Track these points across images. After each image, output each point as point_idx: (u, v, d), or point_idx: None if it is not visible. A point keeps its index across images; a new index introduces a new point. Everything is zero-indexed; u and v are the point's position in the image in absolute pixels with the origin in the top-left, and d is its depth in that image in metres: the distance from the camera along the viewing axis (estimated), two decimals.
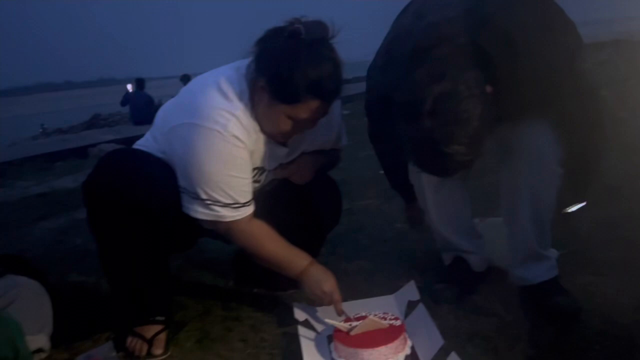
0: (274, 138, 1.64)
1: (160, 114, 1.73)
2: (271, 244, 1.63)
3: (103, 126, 8.24)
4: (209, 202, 1.53)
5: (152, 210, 1.53)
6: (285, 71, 1.46)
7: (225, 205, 1.54)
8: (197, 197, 1.54)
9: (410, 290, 1.74)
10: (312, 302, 1.69)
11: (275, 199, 1.77)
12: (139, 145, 1.72)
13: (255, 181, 1.68)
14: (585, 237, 1.73)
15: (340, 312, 1.63)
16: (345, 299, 1.71)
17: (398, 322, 1.55)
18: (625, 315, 1.54)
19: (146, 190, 1.53)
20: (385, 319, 1.57)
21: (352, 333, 1.52)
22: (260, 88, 1.52)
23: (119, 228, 1.55)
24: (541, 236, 1.61)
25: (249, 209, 1.60)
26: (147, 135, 1.74)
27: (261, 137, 1.61)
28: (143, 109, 9.97)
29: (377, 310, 1.65)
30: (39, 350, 1.57)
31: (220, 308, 1.85)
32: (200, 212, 1.55)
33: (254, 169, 1.66)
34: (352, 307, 1.71)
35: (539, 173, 1.54)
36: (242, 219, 1.58)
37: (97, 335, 1.71)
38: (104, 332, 1.71)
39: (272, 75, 1.49)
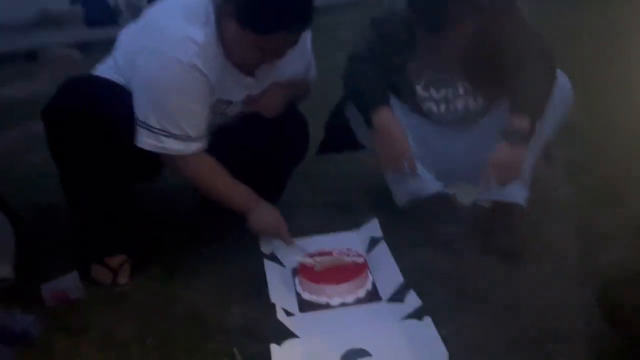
0: (241, 67, 1.61)
1: (123, 37, 1.68)
2: (216, 181, 1.64)
3: (53, 25, 7.72)
4: (156, 131, 1.52)
5: (112, 136, 1.52)
6: (256, 1, 1.42)
7: (174, 136, 1.53)
8: (146, 126, 1.52)
9: (373, 227, 1.79)
10: (260, 234, 1.72)
11: (241, 131, 1.75)
12: (100, 71, 1.67)
13: (220, 113, 1.66)
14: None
15: (288, 242, 1.68)
16: (309, 234, 1.78)
17: (361, 259, 1.61)
18: None
19: (107, 116, 1.51)
20: (348, 255, 1.63)
21: (317, 269, 1.57)
22: (227, 14, 1.48)
23: (81, 156, 1.54)
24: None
25: (199, 145, 1.59)
26: (109, 59, 1.69)
27: (227, 67, 1.57)
28: (96, 8, 9.44)
29: (341, 246, 1.70)
30: (4, 280, 1.57)
31: (187, 238, 1.86)
32: (147, 143, 1.54)
33: (219, 101, 1.63)
34: (316, 242, 1.76)
35: None
36: (189, 154, 1.57)
37: (61, 260, 1.71)
38: (68, 258, 1.72)
39: (241, 4, 1.45)
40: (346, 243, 1.75)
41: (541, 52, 1.65)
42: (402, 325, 1.38)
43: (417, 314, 1.38)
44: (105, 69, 1.66)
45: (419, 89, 1.83)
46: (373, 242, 1.74)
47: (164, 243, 1.83)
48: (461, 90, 1.81)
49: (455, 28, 1.63)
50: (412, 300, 1.43)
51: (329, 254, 1.63)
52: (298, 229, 1.78)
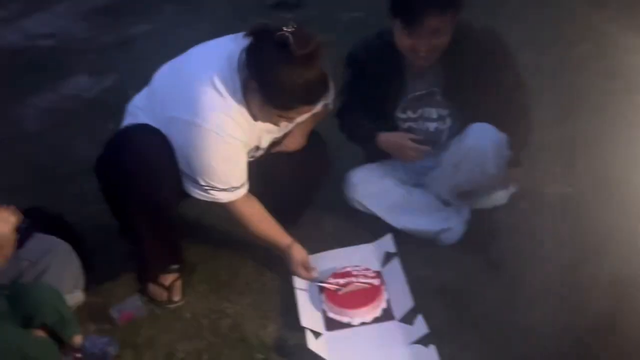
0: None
1: (158, 81, 1.83)
2: (259, 224, 1.91)
3: None
4: (207, 187, 1.76)
5: (159, 185, 1.75)
6: (276, 84, 1.59)
7: (222, 190, 1.77)
8: (196, 183, 1.75)
9: (388, 242, 2.05)
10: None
11: (266, 163, 1.96)
12: (136, 108, 1.86)
13: (250, 157, 1.88)
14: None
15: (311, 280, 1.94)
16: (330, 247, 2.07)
17: (377, 281, 1.88)
18: None
19: (153, 169, 1.72)
20: (366, 276, 1.89)
21: (340, 293, 1.85)
22: (252, 88, 1.66)
23: (131, 203, 1.78)
24: None
25: (243, 190, 1.82)
26: (144, 98, 1.86)
27: (255, 126, 1.77)
28: None
29: (359, 262, 1.98)
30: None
31: (226, 248, 2.14)
32: (198, 194, 1.78)
33: (252, 148, 1.84)
34: (337, 255, 2.05)
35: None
36: (236, 199, 1.81)
37: (125, 277, 2.02)
38: (129, 274, 2.01)
39: (263, 85, 1.62)
40: (363, 256, 2.03)
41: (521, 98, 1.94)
42: (411, 349, 1.68)
43: (423, 341, 1.67)
44: (142, 114, 1.82)
45: (398, 112, 2.03)
46: (388, 257, 2.01)
47: (208, 259, 2.11)
48: (434, 114, 2.01)
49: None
50: (420, 326, 1.71)
51: (349, 274, 1.91)
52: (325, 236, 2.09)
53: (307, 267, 1.95)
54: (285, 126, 1.87)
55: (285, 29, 1.56)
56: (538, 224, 2.03)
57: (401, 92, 1.98)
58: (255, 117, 1.73)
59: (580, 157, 2.30)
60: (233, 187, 1.78)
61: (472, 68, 1.85)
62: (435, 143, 2.02)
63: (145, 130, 1.79)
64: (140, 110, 1.85)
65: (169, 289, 1.94)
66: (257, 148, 1.88)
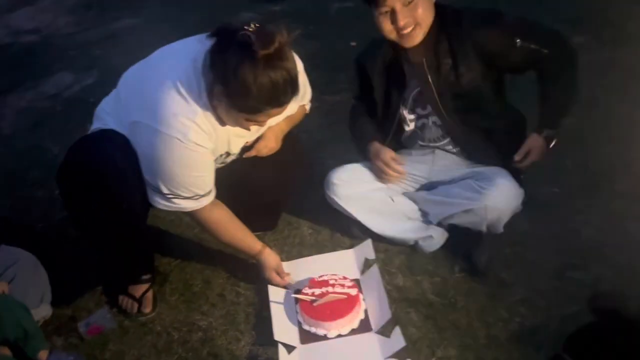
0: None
1: (125, 84, 1.75)
2: (226, 232, 1.83)
3: None
4: (170, 196, 1.67)
5: (121, 192, 1.66)
6: (240, 86, 1.48)
7: (186, 198, 1.68)
8: (159, 191, 1.67)
9: (367, 248, 1.97)
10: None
11: (239, 165, 1.88)
12: (104, 112, 1.78)
13: (221, 163, 1.79)
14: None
15: (283, 286, 1.87)
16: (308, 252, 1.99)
17: (354, 291, 1.80)
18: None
19: (114, 176, 1.64)
20: (343, 286, 1.82)
21: (315, 304, 1.77)
22: (217, 93, 1.56)
23: (94, 210, 1.68)
24: None
25: (209, 198, 1.73)
26: (111, 98, 1.79)
27: (222, 131, 1.68)
28: None
29: (337, 269, 1.90)
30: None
31: (199, 257, 2.06)
32: (161, 204, 1.70)
33: (219, 155, 1.76)
34: (314, 262, 1.97)
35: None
36: (201, 207, 1.73)
37: (94, 288, 1.95)
38: (99, 285, 1.95)
39: (228, 89, 1.53)
40: (342, 262, 1.95)
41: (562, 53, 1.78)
42: None
43: (400, 354, 1.60)
44: (109, 118, 1.74)
45: (406, 112, 1.92)
46: (367, 264, 1.93)
47: (180, 268, 2.03)
48: (433, 119, 1.91)
49: None
50: (397, 339, 1.63)
51: (326, 283, 1.83)
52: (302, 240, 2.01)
53: (281, 273, 1.87)
54: (256, 130, 1.79)
55: (247, 28, 1.47)
56: (522, 228, 1.95)
57: (402, 90, 1.89)
58: (223, 122, 1.64)
59: (568, 156, 2.22)
60: (198, 195, 1.69)
61: (463, 54, 1.76)
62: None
63: (109, 137, 1.70)
64: (107, 114, 1.77)
65: (139, 300, 1.87)
66: (228, 154, 1.79)
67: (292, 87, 1.54)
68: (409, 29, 1.72)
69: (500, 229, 1.83)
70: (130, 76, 1.74)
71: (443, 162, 1.94)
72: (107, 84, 3.06)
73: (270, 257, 1.87)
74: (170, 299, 1.92)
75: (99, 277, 1.94)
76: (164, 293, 1.94)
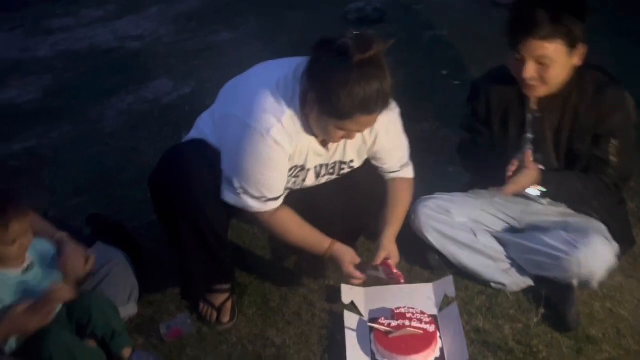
0: (327, 141, 1.76)
1: (225, 90, 1.87)
2: (292, 234, 1.82)
3: None
4: (240, 191, 1.71)
5: (209, 201, 1.74)
6: (333, 92, 1.55)
7: (253, 197, 1.72)
8: (229, 185, 1.72)
9: (448, 284, 1.93)
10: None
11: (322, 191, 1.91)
12: (201, 125, 1.89)
13: (294, 177, 1.82)
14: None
15: (360, 281, 1.83)
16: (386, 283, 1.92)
17: (432, 328, 1.77)
18: None
19: (202, 187, 1.73)
20: (421, 321, 1.79)
21: (390, 336, 1.75)
22: (311, 99, 1.63)
23: (183, 217, 1.77)
24: None
25: (276, 203, 1.76)
26: (211, 109, 1.89)
27: (304, 140, 1.72)
28: None
29: (414, 302, 1.87)
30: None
31: (279, 273, 2.09)
32: (231, 198, 1.74)
33: (294, 166, 1.78)
34: (391, 292, 1.94)
35: None
36: (266, 211, 1.75)
37: (177, 291, 2.01)
38: (179, 291, 2.01)
39: (321, 93, 1.58)
40: (420, 296, 1.93)
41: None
42: None
43: None
44: (205, 127, 1.85)
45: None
46: (446, 301, 1.90)
47: (260, 282, 2.07)
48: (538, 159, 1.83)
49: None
50: None
51: (403, 316, 1.80)
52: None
53: (349, 271, 1.81)
54: (334, 149, 1.80)
55: (346, 36, 1.53)
56: (616, 282, 1.85)
57: (519, 129, 1.85)
58: (309, 131, 1.69)
59: None
60: (265, 198, 1.72)
61: (583, 122, 1.75)
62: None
63: (199, 148, 1.80)
64: (204, 123, 1.88)
65: (219, 309, 1.92)
66: (302, 168, 1.81)
67: (383, 96, 1.57)
68: (532, 82, 1.70)
69: (595, 287, 1.76)
70: (231, 84, 1.85)
71: (536, 206, 1.88)
72: (203, 93, 3.25)
73: (342, 248, 1.83)
74: (248, 311, 1.96)
75: (182, 282, 1.99)
76: (241, 305, 1.97)
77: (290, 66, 1.70)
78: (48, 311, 1.59)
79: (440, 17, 4.27)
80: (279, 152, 1.67)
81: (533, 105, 1.80)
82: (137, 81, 3.59)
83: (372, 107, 1.57)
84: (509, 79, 1.78)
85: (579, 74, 1.73)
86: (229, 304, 1.93)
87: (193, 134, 1.90)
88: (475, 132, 1.92)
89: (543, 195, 1.77)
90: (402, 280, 1.81)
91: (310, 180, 1.87)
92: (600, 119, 1.73)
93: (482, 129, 1.90)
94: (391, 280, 1.81)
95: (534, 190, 1.76)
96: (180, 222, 1.77)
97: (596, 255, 1.71)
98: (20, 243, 1.57)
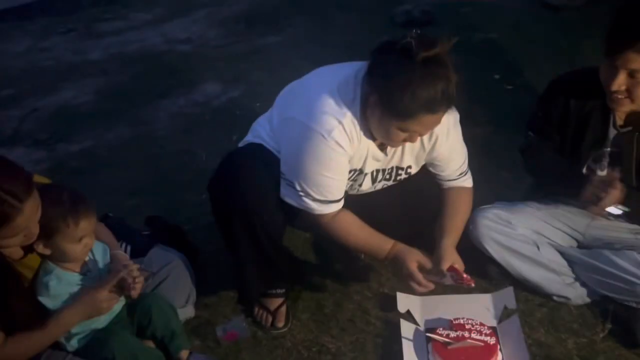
0: (387, 144, 1.75)
1: (283, 95, 1.88)
2: (353, 236, 1.80)
3: None
4: (301, 193, 1.71)
5: (268, 206, 1.75)
6: (397, 91, 1.54)
7: (313, 198, 1.71)
8: (290, 185, 1.72)
9: (508, 295, 1.89)
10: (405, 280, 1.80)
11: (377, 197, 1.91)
12: (258, 129, 1.89)
13: (352, 180, 1.81)
14: None
15: (420, 286, 1.75)
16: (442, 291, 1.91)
17: (492, 340, 1.73)
18: None
19: (260, 193, 1.74)
20: (481, 333, 1.75)
21: (449, 347, 1.72)
22: (372, 103, 1.62)
23: (242, 222, 1.78)
24: None
25: (336, 206, 1.75)
26: (266, 119, 1.90)
27: (363, 143, 1.72)
28: None
29: (473, 313, 1.83)
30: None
31: (333, 279, 2.08)
32: (292, 200, 1.74)
33: (352, 170, 1.78)
34: (450, 302, 1.91)
35: None
36: (327, 213, 1.75)
37: (232, 294, 2.03)
38: (235, 294, 2.02)
39: (384, 93, 1.58)
40: (479, 307, 1.89)
41: None
42: None
43: None
44: (262, 130, 1.87)
45: (589, 162, 1.79)
46: (506, 313, 1.85)
47: (314, 288, 2.06)
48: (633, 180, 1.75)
49: None
50: None
51: (462, 327, 1.77)
52: None
53: (411, 272, 1.75)
54: (392, 153, 1.78)
55: (408, 36, 1.52)
56: None
57: (598, 140, 1.77)
58: (368, 134, 1.68)
59: None
60: (327, 200, 1.72)
61: None
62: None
63: (255, 152, 1.82)
64: (261, 126, 1.89)
65: (273, 314, 1.92)
66: (360, 172, 1.80)
67: (448, 95, 1.55)
68: (619, 95, 1.63)
69: None
70: (289, 88, 1.86)
71: (603, 220, 1.81)
72: (253, 97, 3.27)
73: (407, 248, 1.79)
74: (302, 316, 1.96)
75: (237, 285, 2.01)
76: (296, 310, 1.97)
77: (352, 69, 1.70)
78: (116, 286, 1.58)
79: (490, 20, 4.20)
80: (340, 153, 1.67)
81: (620, 119, 1.72)
82: (187, 84, 3.64)
83: (436, 106, 1.56)
84: (594, 85, 1.69)
85: None
86: (283, 309, 1.94)
87: (249, 138, 1.91)
88: (544, 136, 1.83)
89: (625, 214, 1.68)
90: (473, 284, 1.76)
91: (367, 185, 1.86)
92: None
93: (554, 134, 1.81)
94: (460, 285, 1.76)
95: (616, 209, 1.66)
96: (236, 226, 1.78)
97: None
98: (85, 242, 1.59)
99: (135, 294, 1.59)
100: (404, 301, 1.91)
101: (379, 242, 1.81)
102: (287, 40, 4.09)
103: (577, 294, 1.84)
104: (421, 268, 1.76)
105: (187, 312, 1.89)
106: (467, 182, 1.92)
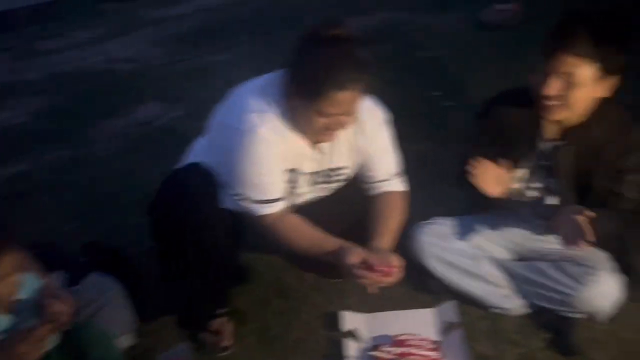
0: (315, 139, 1.76)
1: (213, 119, 1.88)
2: (299, 237, 1.75)
3: None
4: (239, 197, 1.72)
5: (210, 228, 1.74)
6: (307, 74, 1.61)
7: (254, 200, 1.72)
8: (231, 192, 1.73)
9: (450, 309, 1.92)
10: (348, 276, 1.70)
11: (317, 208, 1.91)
12: (195, 150, 1.92)
13: (290, 182, 1.81)
14: None
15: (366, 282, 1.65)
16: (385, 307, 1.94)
17: (435, 355, 1.75)
18: None
19: (204, 212, 1.73)
20: (424, 348, 1.77)
21: None
22: (292, 93, 1.66)
23: (184, 246, 1.75)
24: None
25: (277, 206, 1.74)
26: (202, 139, 1.93)
27: (293, 139, 1.74)
28: None
29: (416, 329, 1.85)
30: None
31: (276, 297, 2.07)
32: (232, 204, 1.73)
33: (290, 170, 1.79)
34: (392, 318, 1.93)
35: None
36: (269, 214, 1.73)
37: (174, 319, 1.98)
38: (178, 319, 1.98)
39: (297, 81, 1.64)
40: (422, 322, 1.91)
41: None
42: None
43: None
44: (198, 146, 1.91)
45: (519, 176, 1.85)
46: (449, 326, 1.88)
47: (259, 308, 2.03)
48: (548, 187, 1.84)
49: None
50: None
51: (405, 343, 1.79)
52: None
53: (352, 265, 1.65)
54: (325, 151, 1.80)
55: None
56: (622, 308, 1.84)
57: (530, 155, 1.81)
58: (299, 126, 1.70)
59: None
60: (266, 200, 1.72)
61: (605, 158, 1.69)
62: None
63: (197, 169, 1.80)
64: (198, 143, 1.92)
65: (217, 334, 1.88)
66: (296, 172, 1.80)
67: (354, 71, 1.60)
68: (553, 102, 1.64)
69: (602, 321, 1.75)
70: (217, 109, 1.85)
71: (537, 236, 1.87)
72: (196, 115, 3.22)
73: (351, 246, 1.70)
74: (248, 340, 1.92)
75: (180, 310, 1.96)
76: (242, 332, 1.93)
77: (276, 73, 1.74)
78: (41, 336, 1.50)
79: (430, 39, 4.33)
80: (268, 148, 1.69)
81: (550, 133, 1.76)
82: (129, 104, 3.59)
83: (345, 82, 1.59)
84: (524, 102, 1.73)
85: (602, 107, 1.68)
86: (229, 325, 1.90)
87: (190, 157, 1.90)
88: (480, 151, 1.85)
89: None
90: (392, 277, 1.65)
91: (305, 188, 1.87)
92: (623, 154, 1.67)
93: (489, 149, 1.84)
94: (380, 276, 1.64)
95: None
96: (186, 246, 1.75)
97: (604, 292, 1.70)
98: (8, 281, 1.49)
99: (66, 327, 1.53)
100: (348, 319, 1.92)
101: (326, 241, 1.75)
102: (232, 59, 4.09)
103: (516, 306, 1.89)
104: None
105: (126, 340, 1.82)
106: (401, 186, 1.93)
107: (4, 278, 1.48)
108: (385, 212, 1.86)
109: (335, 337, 1.89)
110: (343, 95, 1.61)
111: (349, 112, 1.69)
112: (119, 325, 1.80)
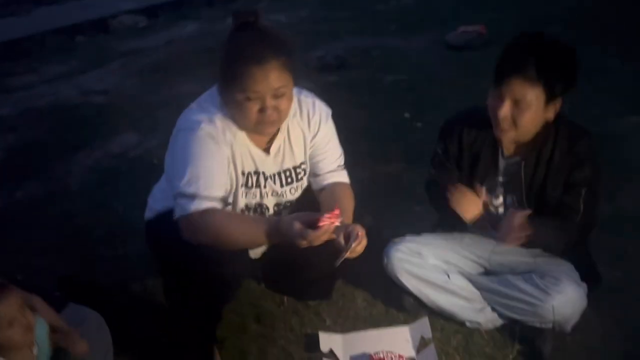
0: (257, 132, 1.77)
1: None
2: (227, 227, 1.67)
3: None
4: (175, 195, 1.69)
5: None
6: (225, 60, 1.67)
7: (186, 196, 1.67)
8: (171, 194, 1.73)
9: (424, 326, 1.96)
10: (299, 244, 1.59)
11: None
12: (156, 193, 2.01)
13: (255, 186, 1.84)
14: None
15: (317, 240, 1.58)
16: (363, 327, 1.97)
17: None
18: None
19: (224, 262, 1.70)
20: None
21: None
22: (222, 89, 1.72)
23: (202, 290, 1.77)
24: None
25: (206, 203, 1.67)
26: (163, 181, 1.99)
27: (240, 139, 1.77)
28: None
29: (392, 346, 1.89)
30: None
31: (254, 322, 2.08)
32: (175, 213, 1.70)
33: (250, 172, 1.82)
34: (369, 337, 1.96)
35: None
36: (195, 211, 1.65)
37: (153, 350, 1.97)
38: (158, 346, 1.97)
39: (220, 70, 1.69)
40: (397, 339, 1.94)
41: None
42: None
43: None
44: (158, 192, 1.96)
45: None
46: (423, 342, 1.91)
47: (237, 333, 2.04)
48: (509, 201, 1.90)
49: None
50: None
51: None
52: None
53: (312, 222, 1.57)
54: (277, 151, 1.83)
55: None
56: (585, 314, 1.90)
57: (490, 171, 1.89)
58: (238, 123, 1.73)
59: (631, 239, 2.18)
60: (200, 196, 1.66)
61: (556, 171, 1.79)
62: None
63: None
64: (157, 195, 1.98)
65: None
66: (259, 174, 1.83)
67: (264, 43, 1.65)
68: (504, 124, 1.73)
69: (568, 330, 1.80)
70: None
71: (504, 248, 1.92)
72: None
73: (285, 216, 1.68)
74: None
75: (161, 341, 1.96)
76: (221, 358, 1.94)
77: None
78: None
79: (399, 62, 4.44)
80: (210, 142, 1.72)
81: (507, 150, 1.85)
82: (103, 136, 3.59)
83: (257, 54, 1.62)
84: (482, 121, 1.81)
85: (554, 125, 1.77)
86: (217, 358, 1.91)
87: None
88: (445, 171, 1.94)
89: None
90: (337, 221, 1.58)
91: (272, 187, 1.88)
92: (572, 168, 1.76)
93: (453, 168, 1.92)
94: (330, 224, 1.56)
95: None
96: (200, 287, 1.74)
97: (569, 302, 1.76)
98: (19, 324, 1.45)
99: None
100: (326, 340, 1.94)
101: (259, 224, 1.67)
102: (204, 88, 4.12)
103: (488, 319, 1.94)
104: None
105: None
106: (346, 177, 1.97)
107: (11, 324, 1.44)
108: (338, 194, 1.90)
109: (314, 359, 1.91)
110: (259, 70, 1.62)
111: (277, 93, 1.66)
112: (97, 355, 1.79)
